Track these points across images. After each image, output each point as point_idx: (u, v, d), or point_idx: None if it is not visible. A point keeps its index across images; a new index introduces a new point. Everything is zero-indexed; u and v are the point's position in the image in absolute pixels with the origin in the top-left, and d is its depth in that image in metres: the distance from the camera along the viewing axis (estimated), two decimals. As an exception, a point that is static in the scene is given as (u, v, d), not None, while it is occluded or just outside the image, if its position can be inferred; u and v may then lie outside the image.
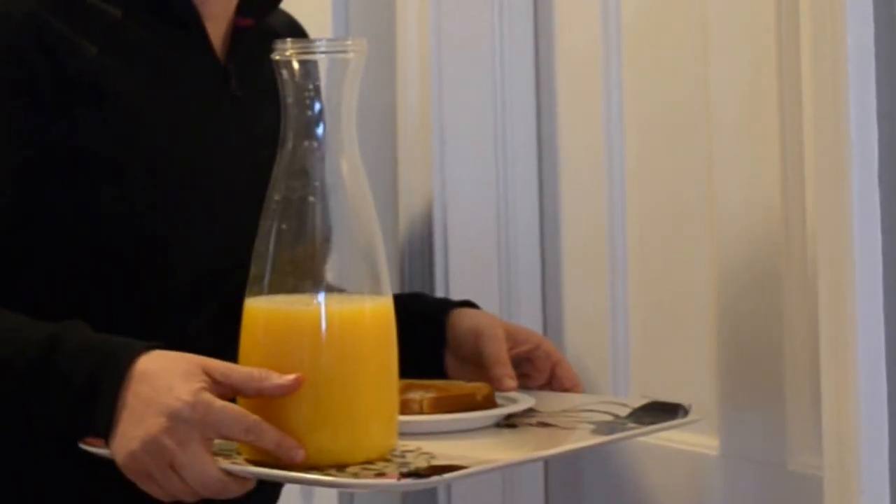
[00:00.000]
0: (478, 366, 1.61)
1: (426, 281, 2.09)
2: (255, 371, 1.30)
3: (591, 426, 1.45)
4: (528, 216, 2.08)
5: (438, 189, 2.09)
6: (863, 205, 1.32)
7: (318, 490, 2.20)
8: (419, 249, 2.12)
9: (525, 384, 1.62)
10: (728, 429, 1.69)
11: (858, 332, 1.32)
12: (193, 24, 1.54)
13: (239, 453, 1.32)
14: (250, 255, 1.35)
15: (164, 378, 1.29)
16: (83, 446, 1.34)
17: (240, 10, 1.58)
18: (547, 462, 2.01)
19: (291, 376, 1.28)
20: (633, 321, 1.90)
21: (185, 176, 1.49)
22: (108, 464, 1.31)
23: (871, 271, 1.32)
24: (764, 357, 1.64)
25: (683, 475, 1.78)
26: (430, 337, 1.66)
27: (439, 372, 1.66)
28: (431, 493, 2.12)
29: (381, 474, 1.25)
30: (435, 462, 1.28)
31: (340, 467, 1.28)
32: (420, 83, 2.14)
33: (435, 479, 1.22)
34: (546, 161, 2.09)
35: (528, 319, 2.02)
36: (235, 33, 1.58)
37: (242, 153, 1.54)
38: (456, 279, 2.04)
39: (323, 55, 1.33)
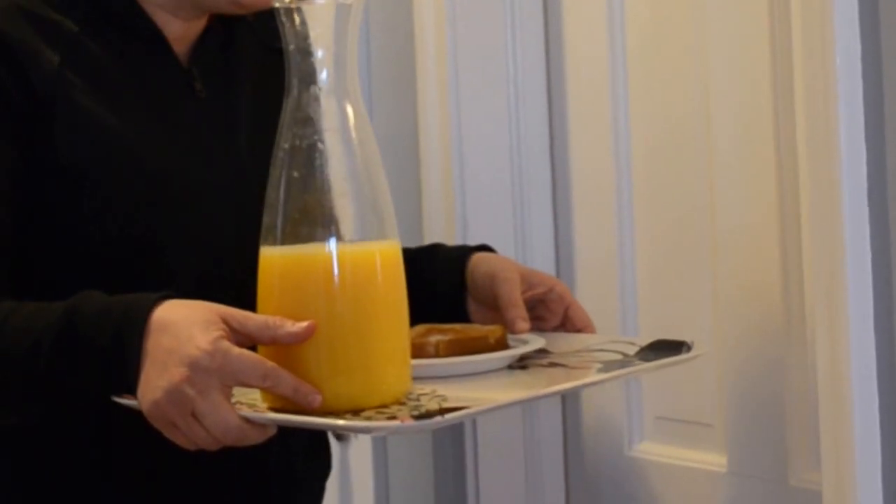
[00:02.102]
0: (495, 309, 1.62)
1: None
2: (270, 319, 1.30)
3: (600, 365, 1.46)
4: (543, 227, 2.16)
5: (459, 203, 2.16)
6: (853, 217, 1.38)
7: (354, 443, 2.29)
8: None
9: (539, 326, 1.64)
10: (735, 448, 1.77)
11: (852, 360, 1.37)
12: (150, 34, 1.53)
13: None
14: (247, 247, 1.36)
15: (184, 327, 1.29)
16: (116, 399, 1.34)
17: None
18: (567, 470, 2.11)
19: (304, 324, 1.29)
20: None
21: (161, 182, 1.49)
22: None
23: (862, 294, 1.38)
24: (767, 381, 1.70)
25: (696, 490, 1.85)
26: (451, 283, 1.67)
27: (463, 317, 1.67)
28: (459, 436, 2.17)
29: (392, 417, 1.26)
30: (446, 404, 1.29)
31: (356, 412, 1.29)
32: (440, 108, 2.19)
33: (437, 419, 1.23)
34: (559, 173, 2.14)
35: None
36: (199, 37, 1.58)
37: (217, 152, 1.54)
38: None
39: (322, 1, 1.31)
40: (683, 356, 1.49)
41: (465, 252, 1.71)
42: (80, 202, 1.46)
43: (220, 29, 1.61)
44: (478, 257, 1.68)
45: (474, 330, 1.54)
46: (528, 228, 2.16)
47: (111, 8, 1.53)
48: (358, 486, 2.35)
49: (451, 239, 2.16)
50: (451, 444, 2.27)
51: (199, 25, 1.58)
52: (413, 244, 2.22)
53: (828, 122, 1.38)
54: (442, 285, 1.67)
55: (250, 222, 1.37)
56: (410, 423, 1.24)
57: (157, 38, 1.54)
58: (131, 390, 1.32)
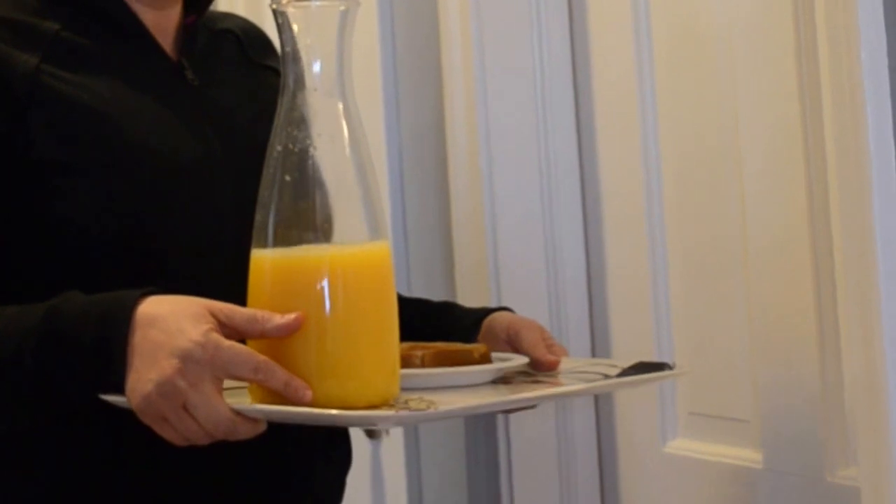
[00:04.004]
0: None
1: (481, 296, 2.18)
2: (258, 313, 1.30)
3: (582, 384, 1.48)
4: (574, 245, 2.18)
5: (490, 226, 2.19)
6: (883, 216, 1.38)
7: (386, 441, 2.29)
8: (473, 264, 2.21)
9: None
10: (771, 444, 1.76)
11: (887, 355, 1.37)
12: (136, 29, 1.55)
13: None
14: (245, 227, 1.36)
15: (173, 321, 1.29)
16: (103, 396, 1.34)
17: (185, 10, 1.61)
18: (601, 466, 2.11)
19: (292, 315, 1.29)
20: (678, 347, 1.97)
21: (157, 168, 1.48)
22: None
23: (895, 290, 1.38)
24: (801, 376, 1.70)
25: (731, 486, 1.85)
26: (463, 328, 1.67)
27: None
28: (492, 433, 2.18)
29: None
30: (434, 407, 1.30)
31: (345, 410, 1.29)
32: (466, 114, 2.22)
33: (431, 411, 1.25)
34: (588, 191, 2.17)
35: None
36: (183, 31, 1.59)
37: (214, 134, 1.54)
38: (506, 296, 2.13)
39: (318, 4, 1.34)
40: (665, 373, 1.52)
41: (487, 310, 1.71)
42: (73, 194, 1.44)
43: (217, 35, 1.64)
44: (499, 314, 1.68)
45: (458, 346, 1.54)
46: (559, 242, 2.17)
47: (94, 5, 1.53)
48: (390, 484, 2.35)
49: (482, 260, 2.19)
50: (484, 441, 2.26)
51: (174, 15, 1.59)
52: (443, 260, 2.28)
53: (857, 131, 1.39)
54: (456, 331, 1.67)
55: (249, 202, 1.37)
56: (406, 413, 1.26)
57: (143, 33, 1.55)
58: (119, 388, 1.32)
